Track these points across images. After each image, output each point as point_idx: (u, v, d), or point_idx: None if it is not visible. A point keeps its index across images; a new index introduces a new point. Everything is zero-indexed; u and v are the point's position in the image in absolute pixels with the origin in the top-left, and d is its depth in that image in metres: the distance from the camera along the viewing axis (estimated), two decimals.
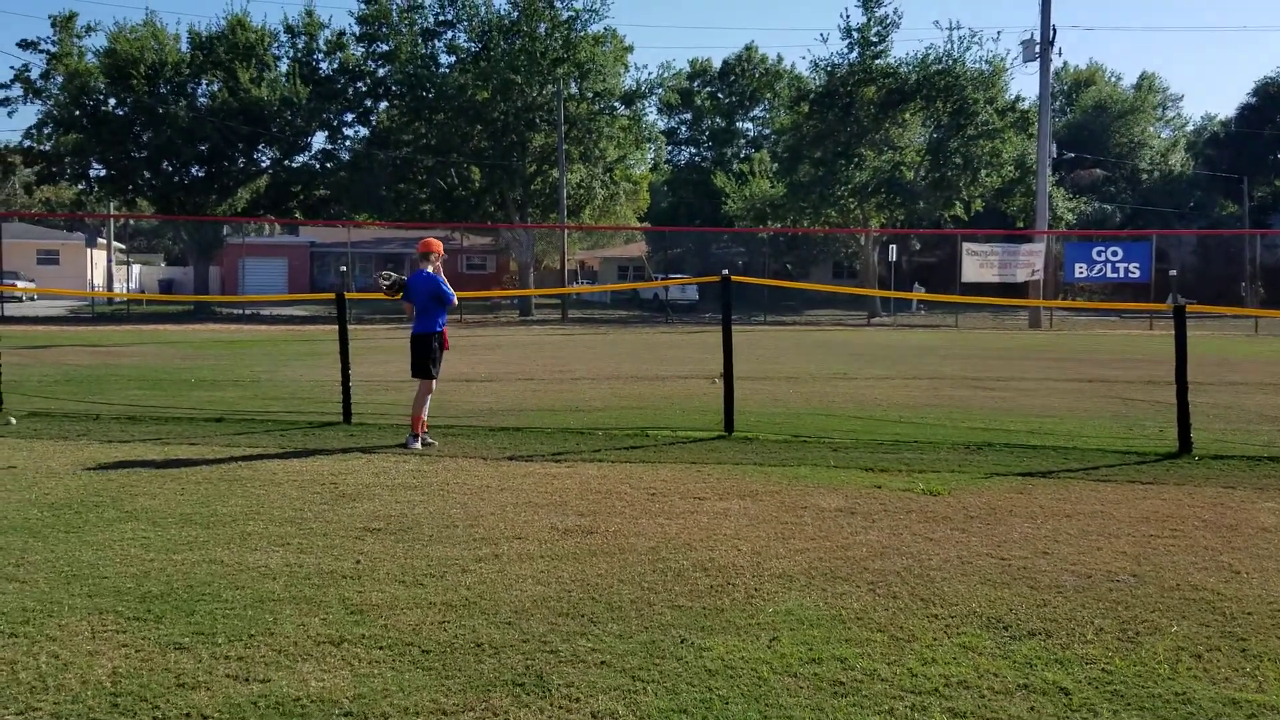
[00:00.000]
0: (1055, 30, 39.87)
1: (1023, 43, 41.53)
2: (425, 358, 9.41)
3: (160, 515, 6.34)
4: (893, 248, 47.27)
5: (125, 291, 53.87)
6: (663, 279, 49.88)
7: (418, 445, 9.02)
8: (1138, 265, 40.29)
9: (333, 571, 5.17)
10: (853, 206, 48.51)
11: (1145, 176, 66.24)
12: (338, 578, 5.07)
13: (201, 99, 48.44)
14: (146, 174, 49.42)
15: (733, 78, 71.47)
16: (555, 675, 3.83)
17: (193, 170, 49.49)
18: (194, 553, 5.51)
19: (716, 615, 4.54)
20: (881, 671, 3.90)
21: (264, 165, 51.77)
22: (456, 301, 9.65)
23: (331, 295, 11.92)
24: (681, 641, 4.20)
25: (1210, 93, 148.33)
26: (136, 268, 65.73)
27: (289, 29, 50.29)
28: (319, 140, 52.90)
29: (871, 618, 4.52)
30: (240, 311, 43.50)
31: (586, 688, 3.72)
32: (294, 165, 52.05)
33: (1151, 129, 70.80)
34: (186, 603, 4.67)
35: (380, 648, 4.12)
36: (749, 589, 4.93)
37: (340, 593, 4.83)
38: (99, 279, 58.71)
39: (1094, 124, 66.37)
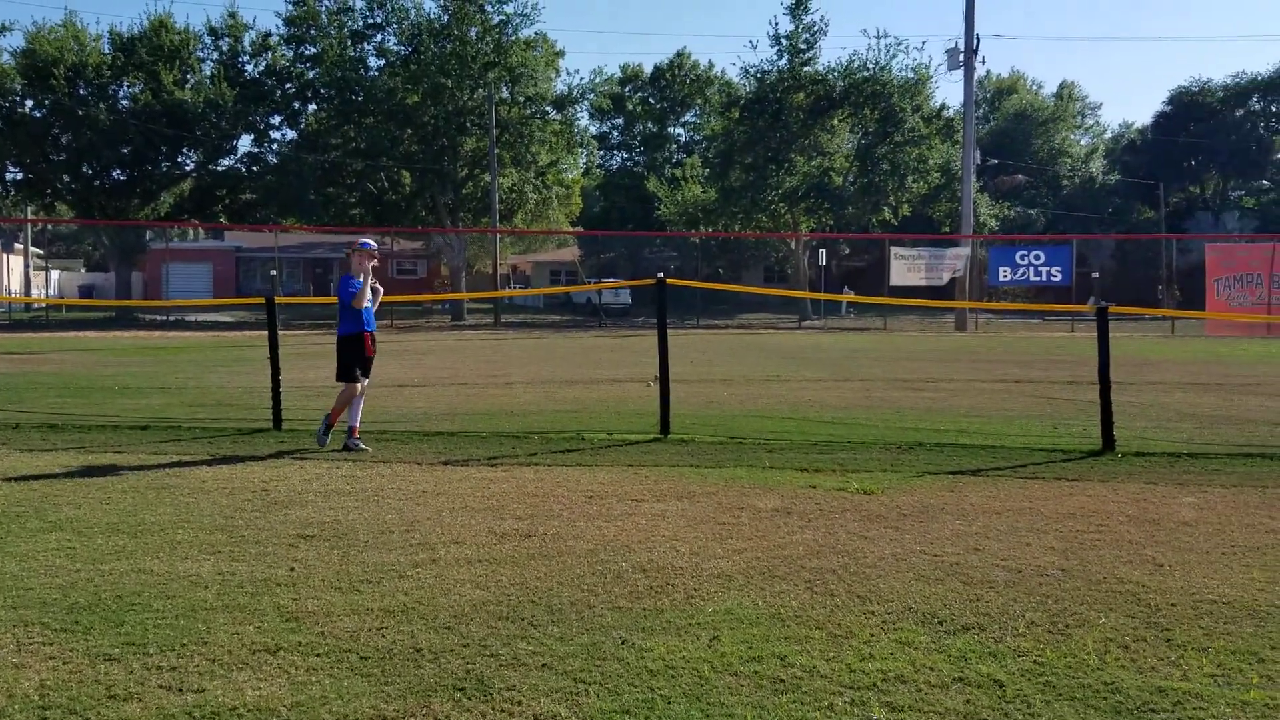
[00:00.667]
0: (979, 39, 40.69)
1: (947, 51, 42.33)
2: (340, 360, 9.37)
3: (85, 525, 6.19)
4: (822, 252, 47.83)
5: (44, 297, 52.50)
6: (596, 283, 49.86)
7: (326, 436, 9.12)
8: (1059, 269, 41.22)
9: (266, 579, 5.09)
10: (783, 211, 49.00)
11: (1066, 182, 67.81)
12: (272, 585, 4.99)
13: (123, 101, 47.29)
14: (65, 177, 48.09)
15: (664, 83, 71.72)
16: (496, 679, 3.81)
17: (114, 174, 48.27)
18: (122, 562, 5.39)
19: (656, 616, 4.55)
20: (820, 668, 3.95)
21: (188, 169, 50.64)
22: (355, 302, 9.26)
23: (260, 300, 11.73)
24: (622, 642, 4.21)
25: (1127, 101, 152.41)
26: (55, 273, 64.05)
27: (213, 31, 49.32)
28: (245, 143, 51.99)
29: (810, 615, 4.57)
30: (164, 317, 42.59)
31: (528, 690, 3.71)
32: (219, 169, 51.01)
33: (1072, 136, 72.50)
34: (115, 613, 4.56)
35: (317, 655, 4.06)
36: (688, 589, 4.96)
37: (275, 600, 4.75)
38: (16, 285, 57.08)
39: (1016, 131, 67.82)
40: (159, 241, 52.89)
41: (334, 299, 9.93)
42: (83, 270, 72.02)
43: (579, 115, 54.77)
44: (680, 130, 74.42)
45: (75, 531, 6.03)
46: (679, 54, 71.75)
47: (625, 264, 63.41)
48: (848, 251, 59.85)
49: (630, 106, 72.23)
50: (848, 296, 19.71)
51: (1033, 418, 11.60)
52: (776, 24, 48.16)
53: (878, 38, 51.78)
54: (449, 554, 5.56)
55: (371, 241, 9.62)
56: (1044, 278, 41.47)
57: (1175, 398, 13.75)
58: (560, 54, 52.14)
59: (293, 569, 5.27)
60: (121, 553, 5.58)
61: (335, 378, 9.45)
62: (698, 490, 7.34)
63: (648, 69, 73.02)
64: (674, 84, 71.38)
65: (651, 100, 72.69)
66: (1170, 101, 69.50)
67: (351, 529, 6.11)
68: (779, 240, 53.86)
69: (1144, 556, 5.61)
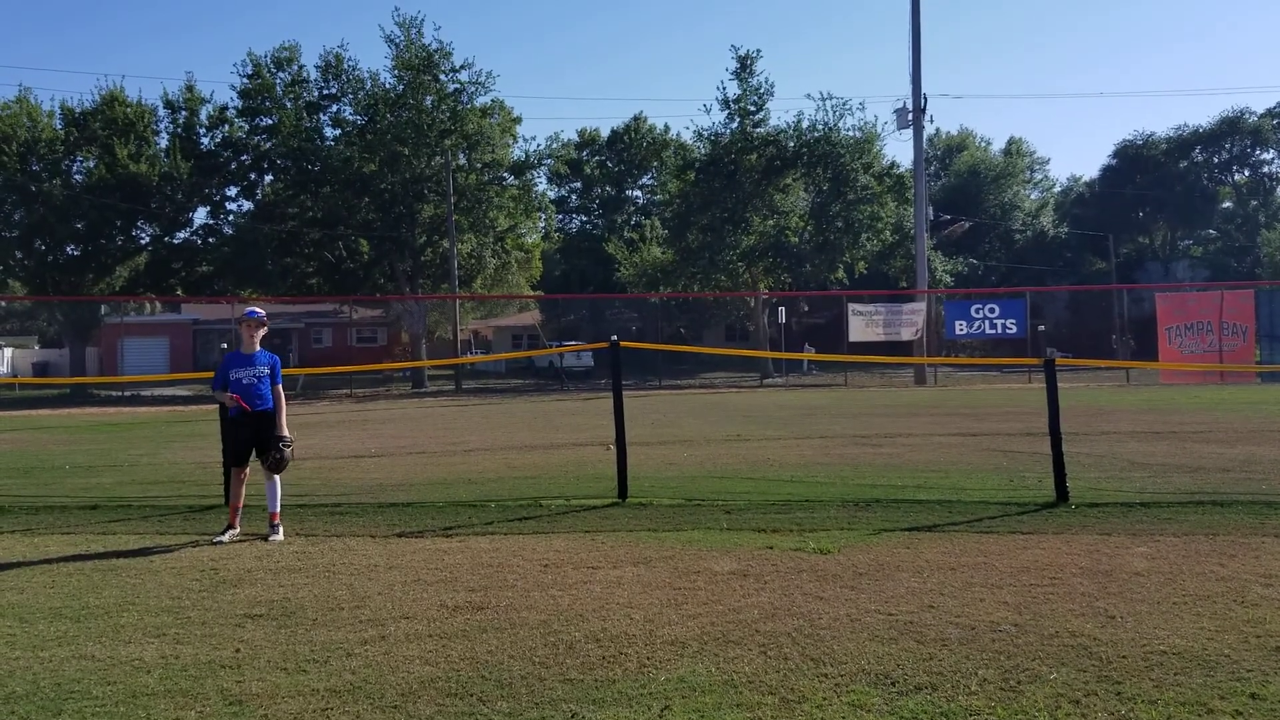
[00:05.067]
0: (926, 99, 41.53)
1: (896, 111, 43.12)
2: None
3: (28, 610, 6.05)
4: (782, 310, 48.18)
5: None
6: (557, 346, 49.83)
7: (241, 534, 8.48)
8: (1014, 321, 41.80)
9: (211, 661, 4.98)
10: (741, 270, 49.42)
11: (1018, 236, 68.99)
12: (216, 668, 4.88)
13: (77, 176, 47.08)
14: (18, 254, 47.68)
15: (621, 146, 72.52)
16: None
17: (68, 249, 47.91)
18: (63, 648, 5.26)
19: (608, 686, 4.50)
20: None
21: (144, 242, 50.38)
22: (218, 395, 8.70)
23: (213, 374, 11.59)
24: (572, 716, 4.15)
25: (1075, 155, 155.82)
26: (8, 351, 63.17)
27: (169, 104, 49.39)
28: (201, 215, 51.82)
29: (763, 680, 4.53)
30: (120, 393, 42.07)
31: None
32: (175, 241, 50.81)
33: (1022, 191, 73.86)
34: (54, 701, 4.45)
35: None
36: (641, 658, 4.91)
37: (218, 683, 4.65)
38: None
39: (969, 187, 69.04)
40: (114, 316, 52.39)
41: (286, 370, 9.69)
42: (36, 347, 71.09)
43: (537, 180, 55.20)
44: (638, 193, 75.15)
45: (17, 618, 5.88)
46: (635, 118, 72.70)
47: (587, 326, 63.54)
48: (807, 309, 60.33)
49: (588, 170, 72.90)
50: (805, 355, 19.68)
51: (989, 471, 11.67)
52: (724, 88, 48.92)
53: (824, 99, 52.34)
54: (399, 630, 5.47)
55: (258, 310, 8.84)
56: (999, 330, 42.04)
57: (1129, 447, 13.90)
58: (517, 120, 52.65)
59: (238, 650, 5.16)
60: (63, 638, 5.45)
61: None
62: (654, 555, 7.29)
63: (605, 133, 73.93)
64: (631, 147, 72.21)
65: (609, 164, 73.43)
66: (1116, 155, 71.26)
67: (300, 607, 6.00)
68: (739, 299, 54.22)
69: (1096, 609, 5.63)
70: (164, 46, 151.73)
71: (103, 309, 50.54)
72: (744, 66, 47.15)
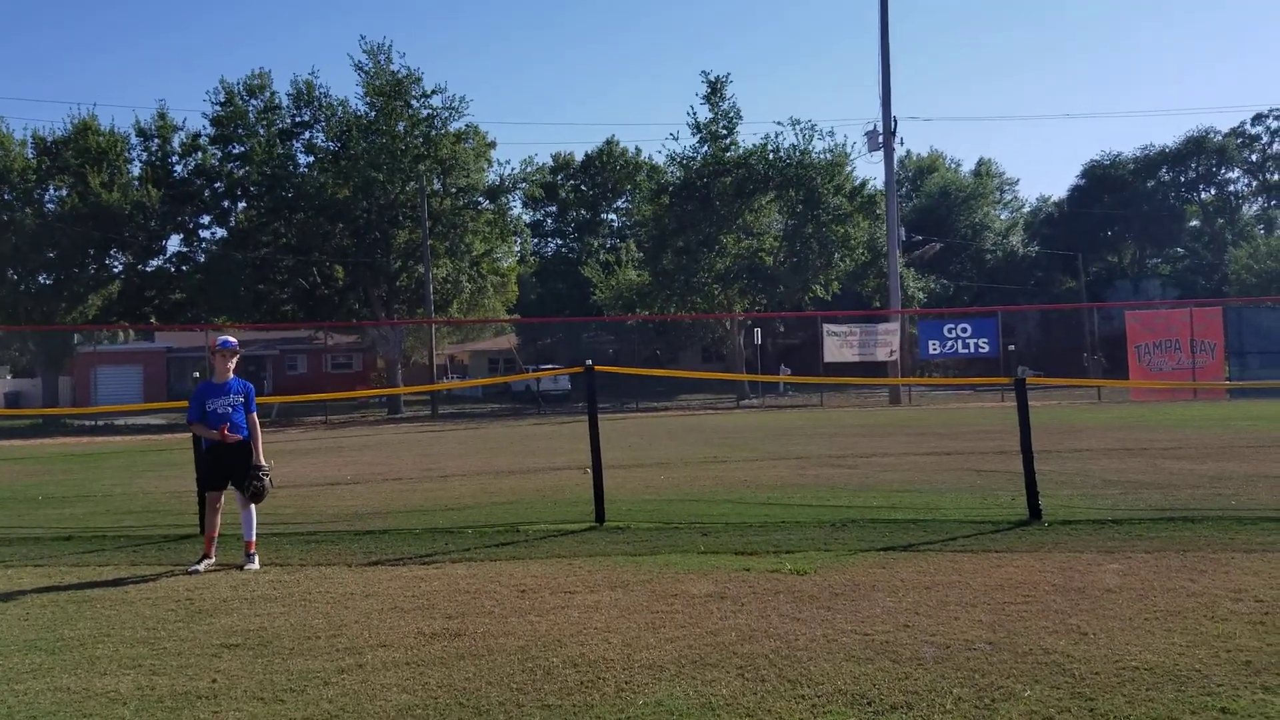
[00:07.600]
0: (897, 121, 41.92)
1: (867, 133, 43.48)
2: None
3: (1, 643, 6.00)
4: (757, 331, 48.35)
5: None
6: (533, 370, 49.79)
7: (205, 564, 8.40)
8: (986, 341, 42.09)
9: (187, 692, 4.96)
10: (717, 292, 49.62)
11: (989, 256, 69.62)
12: (192, 698, 4.86)
13: (49, 205, 46.82)
14: None
15: (595, 170, 72.81)
16: None
17: (40, 278, 47.59)
18: (38, 681, 5.23)
19: (586, 711, 4.51)
20: None
21: (116, 270, 50.09)
22: (194, 427, 8.81)
23: (187, 403, 11.52)
24: None
25: (1043, 176, 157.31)
26: None
27: (141, 132, 49.24)
28: (174, 243, 51.54)
29: (740, 703, 4.56)
30: (93, 423, 41.70)
31: None
32: (148, 269, 50.52)
33: (992, 211, 74.57)
34: None
35: None
36: (619, 682, 4.92)
37: (194, 714, 4.63)
38: None
39: (939, 208, 69.67)
40: (87, 345, 51.96)
41: (261, 398, 9.63)
42: (8, 377, 70.38)
43: (512, 204, 55.27)
44: (613, 215, 75.41)
45: None
46: (608, 142, 73.06)
47: (564, 349, 63.54)
48: (783, 330, 60.57)
49: (563, 194, 73.11)
50: (781, 376, 19.73)
51: (963, 490, 11.75)
52: (695, 113, 49.31)
53: (794, 123, 52.77)
54: (376, 658, 5.47)
55: (232, 339, 8.75)
56: (972, 350, 42.29)
57: (1100, 464, 14.02)
58: (491, 145, 52.73)
59: (215, 680, 5.14)
60: (38, 671, 5.42)
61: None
62: (631, 579, 7.31)
63: (579, 157, 74.16)
64: (604, 170, 72.50)
65: (583, 187, 73.69)
66: (1084, 175, 72.22)
67: (277, 636, 5.98)
68: (715, 321, 54.42)
69: (1069, 625, 5.69)
70: (138, 76, 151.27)
71: (75, 338, 50.14)
72: (714, 91, 47.59)
